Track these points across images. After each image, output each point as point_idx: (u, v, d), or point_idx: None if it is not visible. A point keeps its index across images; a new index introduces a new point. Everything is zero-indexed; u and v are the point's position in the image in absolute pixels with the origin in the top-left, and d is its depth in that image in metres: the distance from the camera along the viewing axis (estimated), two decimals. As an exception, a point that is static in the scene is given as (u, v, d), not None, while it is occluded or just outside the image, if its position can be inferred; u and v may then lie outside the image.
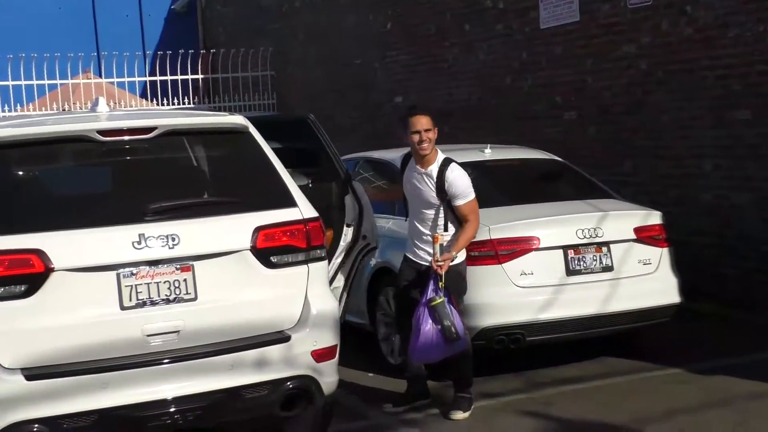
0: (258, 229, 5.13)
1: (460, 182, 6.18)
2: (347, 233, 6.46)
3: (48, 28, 18.51)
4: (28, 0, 19.12)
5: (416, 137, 6.23)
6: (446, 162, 6.26)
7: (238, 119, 5.63)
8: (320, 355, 5.22)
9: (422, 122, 6.23)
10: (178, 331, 4.92)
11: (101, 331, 4.79)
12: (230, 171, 5.57)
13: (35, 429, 4.63)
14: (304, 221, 5.29)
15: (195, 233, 5.01)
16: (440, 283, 6.04)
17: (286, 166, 5.48)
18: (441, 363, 6.34)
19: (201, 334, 4.98)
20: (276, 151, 5.57)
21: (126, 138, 5.24)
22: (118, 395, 4.75)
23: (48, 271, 4.68)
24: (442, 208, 6.24)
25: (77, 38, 18.27)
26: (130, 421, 4.80)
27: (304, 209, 5.34)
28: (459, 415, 6.23)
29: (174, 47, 16.61)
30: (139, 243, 4.86)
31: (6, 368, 4.61)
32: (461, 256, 6.31)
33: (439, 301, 6.02)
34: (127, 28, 19.72)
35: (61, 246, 4.75)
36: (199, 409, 4.94)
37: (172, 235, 4.92)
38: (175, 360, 4.90)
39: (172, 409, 4.87)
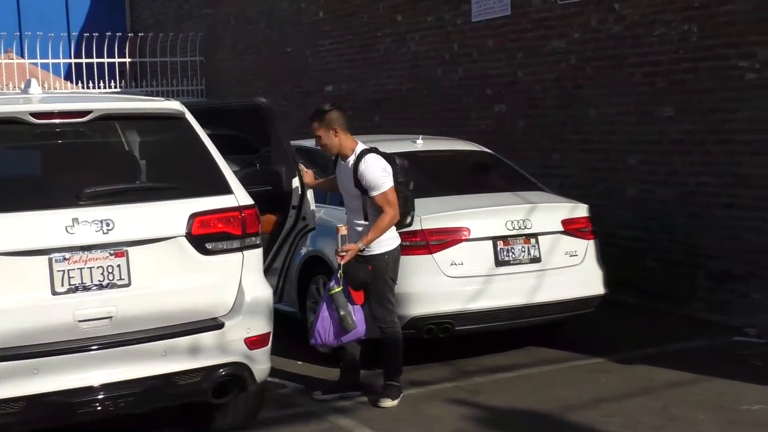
0: (193, 216, 5.16)
1: (370, 174, 6.29)
2: (292, 215, 6.57)
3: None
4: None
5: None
6: (362, 154, 6.38)
7: (174, 105, 5.64)
8: (253, 342, 5.28)
9: (312, 127, 6.45)
10: (110, 317, 4.92)
11: (32, 317, 4.77)
12: (166, 157, 5.59)
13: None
14: (240, 208, 5.33)
15: (130, 218, 5.02)
16: (339, 273, 6.21)
17: (236, 150, 5.51)
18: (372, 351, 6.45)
19: (134, 320, 4.99)
20: (227, 135, 5.62)
21: (60, 121, 5.23)
22: (48, 381, 4.74)
23: (-14, 258, 4.65)
24: (362, 198, 6.37)
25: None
26: (60, 407, 4.80)
27: (240, 196, 5.38)
28: (387, 402, 6.33)
29: (100, 29, 16.37)
30: (72, 227, 4.85)
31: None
32: (392, 245, 6.41)
33: (336, 290, 6.20)
34: (52, 6, 19.34)
35: None
36: (132, 396, 4.95)
37: (106, 220, 4.92)
38: (107, 346, 4.90)
39: (103, 396, 4.88)
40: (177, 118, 5.55)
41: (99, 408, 4.88)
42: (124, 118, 5.54)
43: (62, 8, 19.69)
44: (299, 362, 7.32)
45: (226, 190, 5.36)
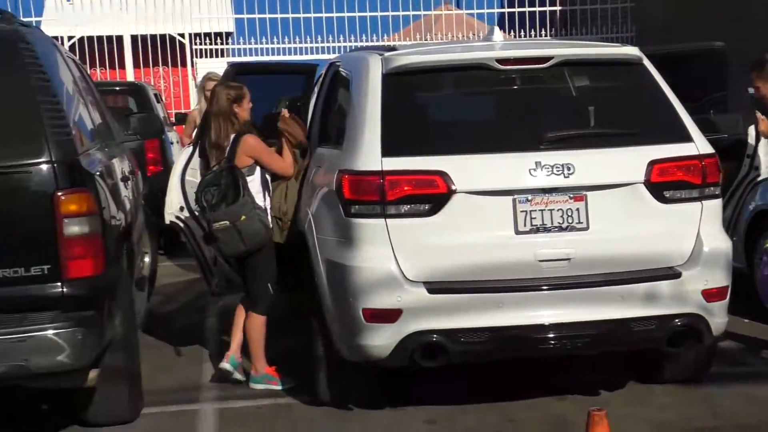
0: (652, 163, 5.14)
1: None
2: (745, 164, 6.36)
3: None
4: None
5: None
6: None
7: (632, 50, 5.63)
8: (711, 295, 5.18)
9: (751, 77, 6.13)
10: (569, 259, 5.06)
11: (497, 253, 5.03)
12: (623, 103, 5.57)
13: (434, 339, 4.98)
14: (700, 157, 5.23)
15: (589, 163, 5.10)
16: None
17: (690, 98, 5.41)
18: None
19: (591, 264, 5.09)
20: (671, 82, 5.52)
21: (522, 67, 5.41)
22: (512, 316, 4.99)
23: (450, 192, 4.97)
24: None
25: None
26: (522, 341, 5.03)
27: (700, 145, 5.28)
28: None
29: (532, -22, 16.74)
30: (535, 170, 5.03)
31: (410, 280, 4.97)
32: None
33: None
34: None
35: (463, 169, 5.02)
36: (588, 337, 5.07)
37: (567, 164, 5.04)
38: (565, 287, 5.05)
39: (562, 334, 5.04)
40: (635, 64, 5.53)
41: (556, 345, 5.05)
42: (582, 64, 5.60)
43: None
44: (745, 320, 7.05)
45: (686, 137, 5.28)
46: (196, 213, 6.25)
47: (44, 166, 4.69)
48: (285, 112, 6.16)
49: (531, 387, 5.70)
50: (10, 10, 5.68)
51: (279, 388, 5.90)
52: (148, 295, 7.59)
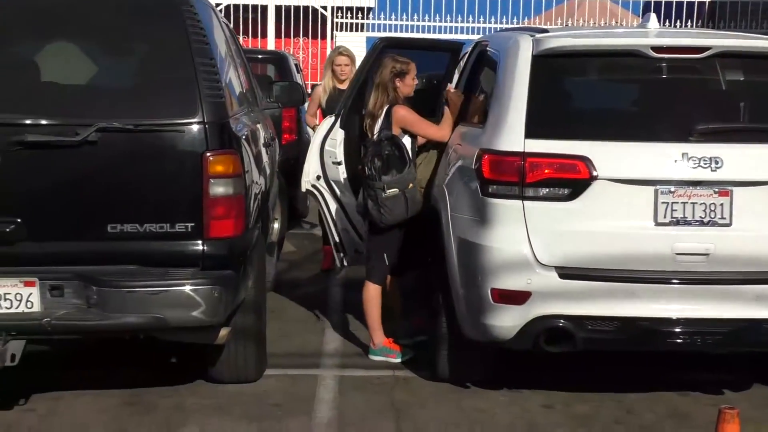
0: (803, 162, 5.00)
1: None
2: None
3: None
4: None
5: None
6: None
7: (795, 44, 5.45)
8: None
9: None
10: (708, 254, 4.96)
11: (633, 243, 4.97)
12: (776, 98, 5.43)
13: (561, 324, 4.97)
14: None
15: (738, 158, 4.99)
16: None
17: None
18: None
19: (730, 261, 4.99)
20: None
21: (678, 56, 5.30)
22: (643, 307, 4.94)
23: (591, 178, 4.93)
24: None
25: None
26: (651, 333, 4.97)
27: None
28: None
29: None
30: (680, 162, 4.95)
31: (542, 264, 4.97)
32: None
33: None
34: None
35: (606, 156, 4.97)
36: (720, 335, 5.00)
37: (715, 157, 4.94)
38: (701, 282, 4.98)
39: (693, 329, 4.98)
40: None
41: (686, 341, 4.99)
42: (740, 56, 5.44)
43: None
44: None
45: (840, 137, 5.11)
46: (332, 183, 6.36)
47: (196, 126, 4.81)
48: (450, 87, 6.28)
49: (651, 380, 5.63)
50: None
51: (397, 360, 5.97)
52: (276, 260, 7.76)
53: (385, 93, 5.89)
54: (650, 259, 4.97)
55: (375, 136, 5.87)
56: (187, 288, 4.80)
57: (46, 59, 5.13)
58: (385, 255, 5.96)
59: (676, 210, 4.97)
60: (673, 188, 4.96)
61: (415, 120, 5.95)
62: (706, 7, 16.68)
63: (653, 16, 5.80)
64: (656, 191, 4.96)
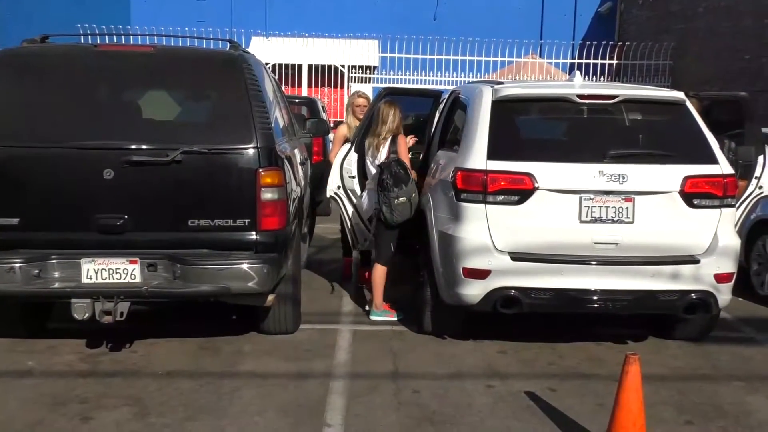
0: (686, 178, 4.96)
1: None
2: (752, 183, 6.08)
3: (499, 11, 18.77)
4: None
5: None
6: None
7: (678, 94, 5.41)
8: (721, 278, 4.98)
9: None
10: (617, 244, 4.93)
11: (564, 235, 4.93)
12: (668, 132, 5.35)
13: (512, 293, 4.94)
14: (723, 176, 5.02)
15: (639, 175, 4.95)
16: None
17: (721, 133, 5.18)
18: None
19: (633, 248, 4.95)
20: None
21: (596, 102, 5.26)
22: (571, 281, 4.91)
23: (534, 189, 4.89)
24: None
25: (524, 22, 18.38)
26: (575, 300, 4.93)
27: (724, 167, 5.06)
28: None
29: (595, 39, 16.24)
30: (597, 177, 4.90)
31: (499, 250, 4.94)
32: None
33: None
34: (563, 23, 19.47)
35: (545, 172, 4.92)
36: (625, 301, 4.94)
37: (622, 174, 4.90)
38: (612, 263, 4.93)
39: (604, 297, 4.93)
40: (679, 104, 5.31)
41: (601, 306, 4.94)
42: (639, 102, 5.40)
43: (569, 24, 19.75)
44: (740, 299, 6.72)
45: (714, 161, 5.06)
46: (349, 192, 6.30)
47: (251, 150, 4.77)
48: (412, 138, 6.18)
49: (576, 334, 5.58)
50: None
51: (395, 319, 5.91)
52: (308, 246, 7.69)
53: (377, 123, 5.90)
54: (576, 247, 4.93)
55: (385, 159, 5.81)
56: (245, 266, 4.76)
57: (146, 103, 5.12)
58: (391, 244, 5.91)
59: (594, 212, 4.93)
60: (592, 196, 4.91)
61: (404, 150, 5.93)
62: (614, 67, 16.62)
63: (578, 73, 5.76)
64: (580, 198, 4.92)
